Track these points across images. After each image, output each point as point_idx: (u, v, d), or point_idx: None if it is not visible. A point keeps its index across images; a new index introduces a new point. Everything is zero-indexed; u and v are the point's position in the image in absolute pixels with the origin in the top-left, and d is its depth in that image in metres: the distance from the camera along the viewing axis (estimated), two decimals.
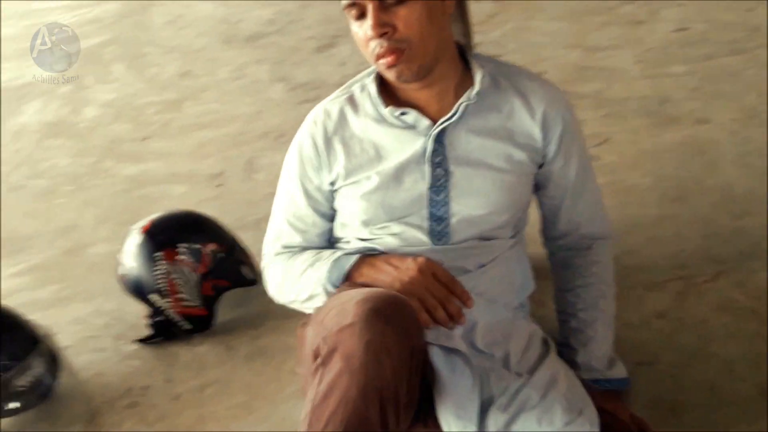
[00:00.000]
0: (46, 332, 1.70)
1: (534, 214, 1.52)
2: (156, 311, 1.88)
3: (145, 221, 1.92)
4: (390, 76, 1.30)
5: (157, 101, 3.46)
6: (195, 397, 1.72)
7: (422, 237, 1.36)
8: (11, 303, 1.87)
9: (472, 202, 1.35)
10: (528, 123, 1.37)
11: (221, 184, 2.68)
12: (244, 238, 2.02)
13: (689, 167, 2.23)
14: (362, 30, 1.26)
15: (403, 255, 1.33)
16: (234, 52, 3.86)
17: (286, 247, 1.49)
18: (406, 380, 1.11)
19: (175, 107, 3.37)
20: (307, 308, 1.43)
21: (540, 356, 1.33)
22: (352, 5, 1.25)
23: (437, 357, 1.24)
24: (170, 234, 1.89)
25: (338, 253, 1.38)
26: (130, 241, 1.90)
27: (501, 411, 1.21)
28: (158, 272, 1.84)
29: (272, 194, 1.51)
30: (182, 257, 1.85)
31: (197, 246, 1.87)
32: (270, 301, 1.54)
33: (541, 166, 1.41)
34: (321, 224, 1.46)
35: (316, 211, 1.45)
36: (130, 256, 1.88)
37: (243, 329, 1.91)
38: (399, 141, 1.35)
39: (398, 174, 1.35)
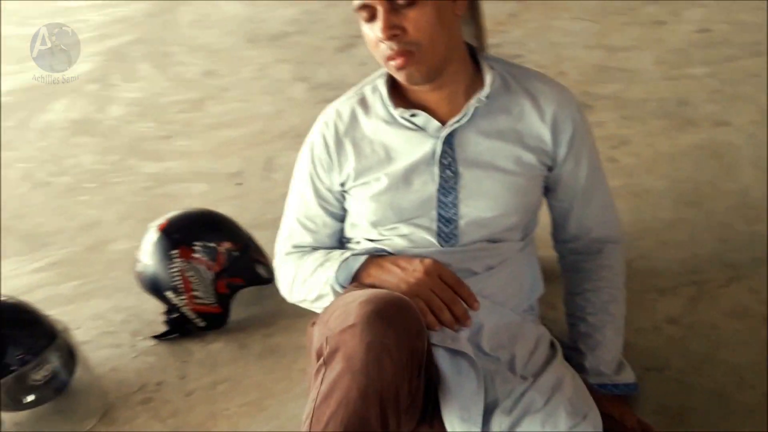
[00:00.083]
0: (64, 327, 1.73)
1: (545, 217, 1.51)
2: (171, 308, 1.91)
3: (162, 219, 1.95)
4: (400, 77, 1.31)
5: (180, 100, 3.50)
6: (207, 394, 1.74)
7: (430, 238, 1.36)
8: (33, 298, 1.90)
9: (481, 204, 1.35)
10: (538, 125, 1.37)
11: (240, 182, 2.70)
12: (262, 236, 2.04)
13: (706, 170, 2.21)
14: (373, 32, 1.27)
15: (411, 256, 1.34)
16: (257, 51, 3.89)
17: (297, 246, 1.50)
18: (408, 382, 1.12)
19: (198, 106, 3.41)
20: (317, 308, 1.44)
21: (546, 360, 1.33)
22: (363, 7, 1.26)
23: (443, 359, 1.24)
24: (186, 232, 1.91)
25: (347, 254, 1.39)
26: (147, 238, 1.93)
27: (505, 414, 1.22)
28: (174, 270, 1.86)
29: None
30: (197, 255, 1.88)
31: (212, 244, 1.89)
32: (283, 300, 1.56)
33: (550, 168, 1.41)
34: (331, 224, 1.47)
35: (327, 211, 1.46)
36: (147, 254, 1.91)
37: (256, 327, 1.93)
38: (409, 142, 1.36)
39: (407, 175, 1.35)
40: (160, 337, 1.93)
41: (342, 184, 1.42)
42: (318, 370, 1.11)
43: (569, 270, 1.54)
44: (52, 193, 2.88)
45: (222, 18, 4.54)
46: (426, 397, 1.23)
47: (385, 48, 1.26)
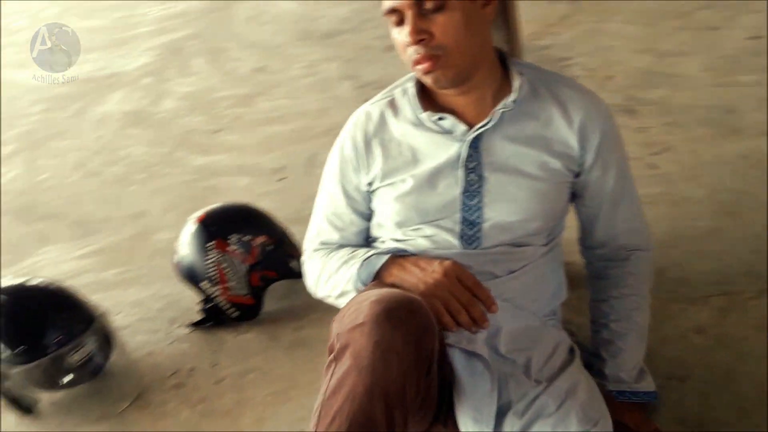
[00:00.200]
0: (102, 312, 1.80)
1: (572, 222, 1.51)
2: (207, 298, 1.97)
3: (201, 212, 2.01)
4: (426, 81, 1.33)
5: (231, 95, 3.58)
6: (236, 382, 1.80)
7: (453, 240, 1.37)
8: (77, 283, 1.99)
9: (505, 208, 1.36)
10: (565, 131, 1.37)
11: (283, 177, 2.75)
12: (300, 231, 2.04)
13: (747, 180, 2.17)
14: (401, 36, 1.29)
15: (432, 257, 1.35)
16: (308, 49, 3.94)
17: (324, 243, 1.53)
18: (416, 381, 1.13)
19: (247, 102, 3.48)
20: (341, 304, 1.46)
21: (562, 365, 1.33)
22: (392, 11, 1.28)
23: (458, 359, 1.26)
24: (223, 225, 1.97)
25: (370, 253, 1.41)
26: (186, 230, 1.99)
27: (517, 416, 1.23)
28: (209, 261, 1.92)
29: None
30: (233, 248, 1.93)
31: (248, 238, 1.95)
32: None
33: (577, 175, 1.41)
34: (358, 223, 1.50)
35: (354, 210, 1.48)
36: (185, 245, 1.97)
37: (287, 320, 1.98)
38: (435, 145, 1.37)
39: (432, 178, 1.37)
40: (195, 325, 2.00)
41: (369, 184, 1.44)
42: (328, 366, 1.15)
43: (595, 276, 1.53)
44: (103, 182, 2.99)
45: (277, 15, 4.61)
46: (441, 396, 1.25)
47: (413, 52, 1.28)
